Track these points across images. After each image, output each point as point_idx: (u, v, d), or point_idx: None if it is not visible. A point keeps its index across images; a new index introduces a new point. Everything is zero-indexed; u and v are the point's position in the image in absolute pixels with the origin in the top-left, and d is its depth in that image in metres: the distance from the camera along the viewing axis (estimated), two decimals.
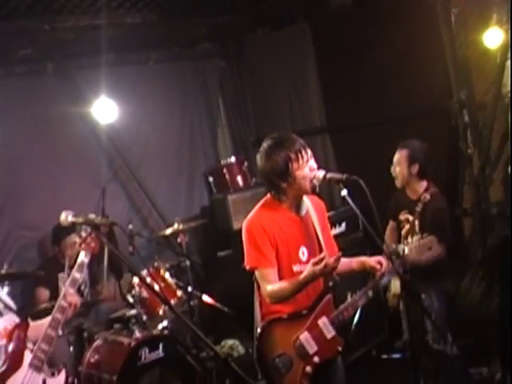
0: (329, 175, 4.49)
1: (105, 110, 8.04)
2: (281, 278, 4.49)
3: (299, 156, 4.43)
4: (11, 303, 4.69)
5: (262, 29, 9.25)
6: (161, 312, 6.72)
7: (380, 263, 4.70)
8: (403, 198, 6.40)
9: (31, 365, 4.36)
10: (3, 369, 4.30)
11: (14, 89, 7.75)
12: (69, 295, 4.55)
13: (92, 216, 4.43)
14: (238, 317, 7.21)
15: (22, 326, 4.52)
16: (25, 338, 4.46)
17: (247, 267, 4.55)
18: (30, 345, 4.49)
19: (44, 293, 7.14)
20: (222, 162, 9.01)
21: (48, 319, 4.72)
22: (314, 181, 4.48)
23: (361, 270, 4.82)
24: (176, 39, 8.83)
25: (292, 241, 4.54)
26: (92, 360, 6.39)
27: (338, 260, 4.37)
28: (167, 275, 6.93)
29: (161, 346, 6.31)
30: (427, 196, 6.17)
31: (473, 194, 7.60)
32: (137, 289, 6.70)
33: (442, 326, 6.21)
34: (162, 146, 9.06)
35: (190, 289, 6.94)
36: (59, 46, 7.56)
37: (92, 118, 8.16)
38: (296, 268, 4.53)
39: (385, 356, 7.56)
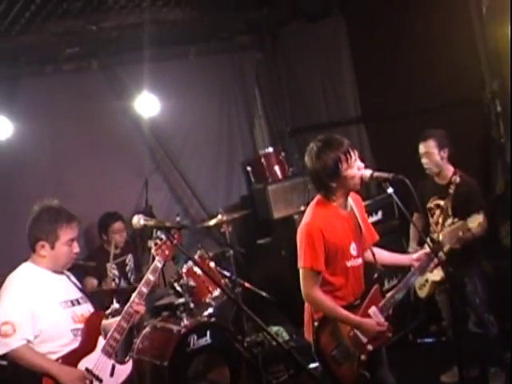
0: (375, 174, 4.66)
1: (147, 103, 8.27)
2: (336, 274, 4.73)
3: (348, 156, 4.61)
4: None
5: (297, 21, 9.39)
6: (207, 300, 6.91)
7: (419, 260, 4.98)
8: (430, 185, 6.52)
9: (103, 350, 4.65)
10: (79, 349, 4.61)
11: (61, 85, 8.06)
12: (137, 299, 4.78)
13: (163, 220, 4.67)
14: (278, 302, 7.43)
15: (98, 315, 4.84)
16: (99, 325, 4.75)
17: (302, 266, 4.71)
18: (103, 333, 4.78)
19: (92, 282, 7.39)
20: (260, 152, 9.20)
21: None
22: (362, 180, 4.67)
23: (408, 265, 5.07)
24: (215, 33, 9.06)
25: (345, 238, 4.75)
26: (142, 346, 6.62)
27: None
28: (212, 264, 7.08)
29: (208, 332, 6.49)
30: (457, 178, 6.29)
31: (505, 181, 7.74)
32: (185, 278, 6.90)
33: (484, 308, 6.38)
34: (201, 137, 9.29)
35: (234, 277, 7.15)
36: (104, 44, 7.83)
37: (135, 111, 8.41)
38: (349, 263, 4.77)
39: (419, 340, 7.74)
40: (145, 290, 4.80)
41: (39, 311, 4.53)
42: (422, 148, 6.46)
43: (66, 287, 4.83)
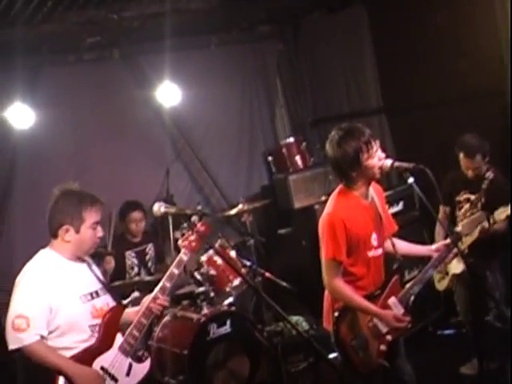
0: (396, 164, 4.65)
1: (168, 93, 8.26)
2: (357, 264, 4.75)
3: (369, 146, 4.60)
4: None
5: (318, 11, 9.36)
6: (227, 289, 6.89)
7: (438, 251, 4.96)
8: (461, 179, 6.49)
9: (121, 348, 4.50)
10: (95, 346, 4.46)
11: (83, 74, 8.11)
12: (159, 294, 4.63)
13: (183, 208, 4.66)
14: (298, 292, 7.42)
15: (118, 310, 4.66)
16: (118, 322, 4.59)
17: (325, 257, 4.72)
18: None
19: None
20: (281, 142, 9.21)
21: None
22: (382, 169, 4.67)
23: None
24: (236, 23, 9.04)
25: (366, 228, 4.76)
26: (161, 335, 6.66)
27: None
28: (233, 253, 7.04)
29: (228, 321, 6.50)
30: (491, 174, 6.22)
31: None
32: (205, 267, 6.90)
33: (504, 302, 6.37)
34: (222, 127, 9.29)
35: (254, 266, 7.13)
36: (126, 33, 7.81)
37: (156, 100, 8.40)
38: (370, 254, 4.79)
39: (439, 332, 7.73)
40: (168, 284, 4.63)
41: (57, 305, 4.35)
42: (469, 163, 6.36)
43: (87, 278, 4.64)
